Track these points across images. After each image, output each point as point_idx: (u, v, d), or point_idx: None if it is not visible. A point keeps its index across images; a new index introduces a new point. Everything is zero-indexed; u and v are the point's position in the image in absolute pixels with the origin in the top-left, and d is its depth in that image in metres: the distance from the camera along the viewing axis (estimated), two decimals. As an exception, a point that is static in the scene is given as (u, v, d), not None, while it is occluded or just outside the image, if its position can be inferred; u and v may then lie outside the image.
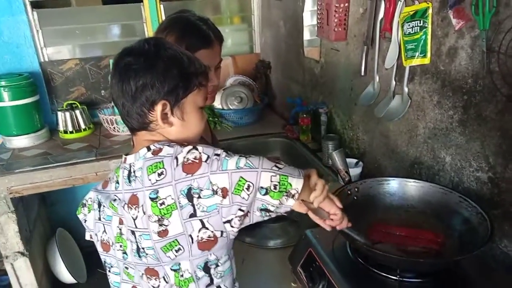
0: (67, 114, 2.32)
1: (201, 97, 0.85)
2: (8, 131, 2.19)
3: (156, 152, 0.79)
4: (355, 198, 1.10)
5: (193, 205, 0.74)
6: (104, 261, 0.92)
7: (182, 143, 0.80)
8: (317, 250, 1.03)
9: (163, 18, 2.53)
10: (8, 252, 2.01)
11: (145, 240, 0.79)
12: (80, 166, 2.00)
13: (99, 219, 0.90)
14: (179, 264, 0.80)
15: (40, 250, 2.31)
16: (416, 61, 1.21)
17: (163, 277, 0.82)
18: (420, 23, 1.17)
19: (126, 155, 0.85)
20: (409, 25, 1.20)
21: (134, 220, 0.79)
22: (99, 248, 0.92)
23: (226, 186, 0.73)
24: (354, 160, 1.60)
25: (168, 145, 0.79)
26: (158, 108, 0.79)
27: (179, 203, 0.74)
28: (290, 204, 0.76)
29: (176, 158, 0.75)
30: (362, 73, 1.53)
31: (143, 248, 0.80)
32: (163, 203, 0.75)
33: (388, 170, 1.49)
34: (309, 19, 2.05)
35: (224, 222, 0.77)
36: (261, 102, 2.45)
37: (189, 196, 0.74)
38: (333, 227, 0.87)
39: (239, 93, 2.42)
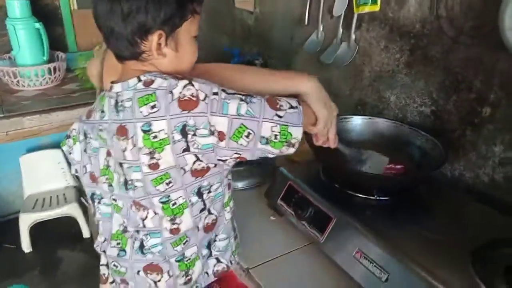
0: (-47, 65, 1.94)
1: (195, 26, 0.80)
2: None
3: (147, 84, 0.74)
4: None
5: (187, 142, 0.72)
6: (93, 194, 0.89)
7: (175, 75, 0.76)
8: (297, 182, 1.09)
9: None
10: None
11: (134, 172, 0.76)
12: (-16, 125, 1.71)
13: (85, 150, 0.86)
14: (169, 196, 0.78)
15: None
16: (367, 8, 1.31)
17: (151, 209, 0.80)
18: (372, -28, 1.26)
19: (112, 83, 0.79)
20: (362, -27, 1.29)
21: (123, 151, 0.75)
22: (87, 181, 0.88)
23: (224, 131, 0.71)
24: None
25: (160, 77, 0.74)
26: (154, 38, 0.74)
27: (172, 138, 0.71)
28: (291, 152, 0.77)
29: (171, 92, 0.71)
30: (306, 22, 1.60)
31: (131, 180, 0.77)
32: (156, 137, 0.72)
33: (330, 114, 1.61)
34: (239, -31, 2.02)
35: (218, 160, 0.76)
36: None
37: (183, 132, 0.71)
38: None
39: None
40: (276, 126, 0.72)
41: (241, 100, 0.71)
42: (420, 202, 1.07)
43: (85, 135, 0.85)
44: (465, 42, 1.09)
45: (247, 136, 0.71)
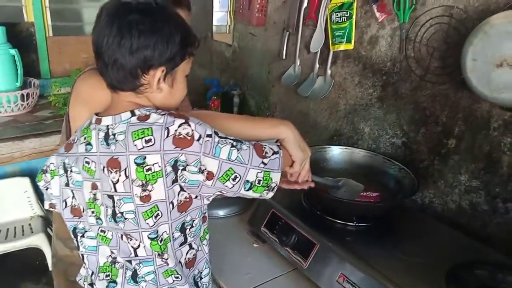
0: None
1: (189, 66, 0.85)
2: None
3: (142, 118, 0.76)
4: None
5: (176, 174, 0.75)
6: (75, 228, 0.88)
7: (169, 111, 0.79)
8: (280, 210, 1.13)
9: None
10: None
11: (126, 203, 0.77)
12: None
13: (67, 184, 0.85)
14: (157, 231, 0.80)
15: None
16: (342, 47, 1.41)
17: (141, 242, 0.81)
18: (347, 14, 1.37)
19: (97, 114, 0.81)
20: (337, 14, 1.40)
21: (115, 184, 0.77)
22: (68, 215, 0.87)
23: (214, 172, 0.75)
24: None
25: (155, 112, 0.77)
26: (156, 73, 0.78)
27: (165, 171, 0.74)
28: (269, 196, 0.82)
29: (167, 129, 0.74)
30: (284, 57, 1.69)
31: (121, 213, 0.78)
32: (149, 169, 0.74)
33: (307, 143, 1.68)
34: (217, 5, 2.12)
35: (200, 194, 0.81)
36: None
37: (175, 167, 0.75)
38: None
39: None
40: (261, 172, 0.78)
41: (232, 146, 0.76)
42: (395, 228, 1.13)
43: (65, 169, 0.84)
44: (431, 80, 1.20)
45: (233, 179, 0.76)
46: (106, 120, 0.78)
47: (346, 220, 1.09)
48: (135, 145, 0.73)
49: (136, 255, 0.82)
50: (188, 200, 0.80)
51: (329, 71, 1.51)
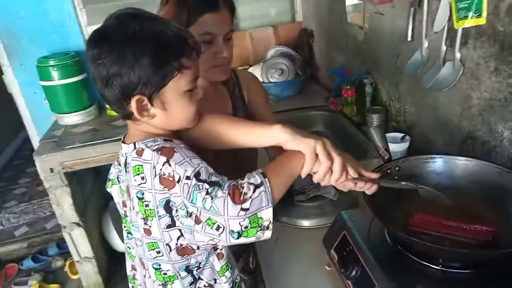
0: (113, 91, 2.38)
1: (186, 81, 0.74)
2: (59, 109, 2.30)
3: (139, 153, 0.75)
4: (395, 178, 1.01)
5: (171, 216, 0.72)
6: None
7: (159, 145, 0.74)
8: (352, 233, 0.96)
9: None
10: (65, 223, 2.15)
11: (135, 232, 0.81)
12: (126, 142, 2.05)
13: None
14: (160, 264, 0.80)
15: (96, 221, 2.45)
16: (469, 22, 1.06)
17: (147, 270, 0.84)
18: (475, -22, 1.01)
19: (124, 137, 0.84)
20: (462, -20, 1.05)
21: (130, 210, 0.81)
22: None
23: (199, 217, 0.69)
24: (400, 135, 1.48)
25: (149, 147, 0.73)
26: (133, 103, 0.73)
27: (158, 213, 0.73)
28: (268, 236, 0.71)
29: (154, 168, 0.71)
30: (409, 38, 1.39)
31: (136, 238, 0.83)
32: (147, 205, 0.74)
33: (438, 146, 1.36)
34: (353, -18, 1.90)
35: (197, 242, 0.74)
36: (304, 73, 2.35)
37: (167, 208, 0.72)
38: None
39: (280, 65, 2.34)
40: (244, 220, 0.68)
41: (207, 193, 0.68)
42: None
43: (119, 180, 0.90)
44: None
45: (217, 229, 0.68)
46: (124, 148, 0.81)
47: (429, 261, 0.84)
48: (135, 180, 0.74)
49: (145, 283, 0.87)
50: (190, 249, 0.78)
51: (458, 55, 1.16)
